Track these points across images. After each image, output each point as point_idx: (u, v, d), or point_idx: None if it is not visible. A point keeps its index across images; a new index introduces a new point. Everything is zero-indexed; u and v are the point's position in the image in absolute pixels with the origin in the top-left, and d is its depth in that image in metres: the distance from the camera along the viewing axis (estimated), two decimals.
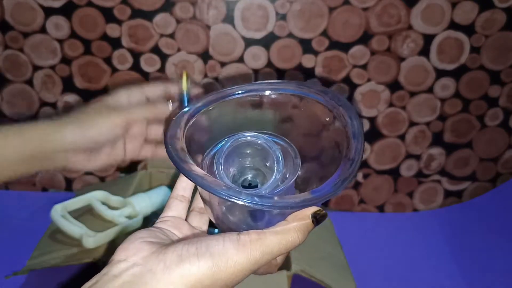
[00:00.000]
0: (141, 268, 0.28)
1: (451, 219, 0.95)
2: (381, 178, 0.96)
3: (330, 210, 0.98)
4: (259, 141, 0.36)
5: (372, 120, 0.91)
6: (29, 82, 0.88)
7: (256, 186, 0.38)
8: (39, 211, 0.89)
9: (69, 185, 0.96)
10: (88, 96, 0.89)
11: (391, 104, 0.90)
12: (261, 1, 0.82)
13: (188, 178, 0.32)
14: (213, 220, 0.38)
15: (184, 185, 0.38)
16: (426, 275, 0.81)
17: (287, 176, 0.36)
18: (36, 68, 0.87)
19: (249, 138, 0.36)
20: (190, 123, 0.38)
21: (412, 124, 0.92)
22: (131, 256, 0.29)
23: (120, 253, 0.30)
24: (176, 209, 0.37)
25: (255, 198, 0.30)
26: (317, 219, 0.32)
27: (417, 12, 0.83)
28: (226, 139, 0.37)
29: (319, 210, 0.32)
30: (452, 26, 0.84)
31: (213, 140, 0.38)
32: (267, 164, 0.36)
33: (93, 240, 0.66)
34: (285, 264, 0.65)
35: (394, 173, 0.96)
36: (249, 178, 0.39)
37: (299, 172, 0.37)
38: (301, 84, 0.39)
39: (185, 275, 0.28)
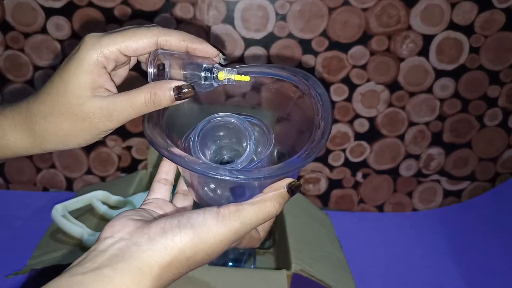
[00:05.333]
0: (127, 242, 0.30)
1: (450, 219, 0.95)
2: (381, 178, 0.97)
3: (330, 209, 0.98)
4: (230, 120, 0.37)
5: (371, 120, 0.92)
6: (30, 83, 0.88)
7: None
8: (40, 211, 0.89)
9: (70, 185, 0.96)
10: None
11: (390, 104, 0.90)
12: (261, 1, 0.82)
13: (169, 159, 0.33)
14: (197, 201, 0.39)
15: (166, 169, 0.40)
16: (425, 274, 0.81)
17: (261, 151, 0.38)
18: (36, 68, 0.87)
19: (219, 118, 0.37)
20: (168, 109, 0.38)
21: (411, 124, 0.92)
22: (117, 232, 0.31)
23: (107, 230, 0.32)
24: (159, 191, 0.38)
25: (234, 172, 0.32)
26: (292, 189, 0.34)
27: (417, 12, 0.83)
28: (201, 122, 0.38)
29: (294, 181, 0.34)
30: (452, 27, 0.84)
31: (192, 124, 0.38)
32: (242, 143, 0.37)
33: (93, 239, 0.66)
34: (285, 264, 0.66)
35: (393, 173, 0.96)
36: (226, 158, 0.40)
37: (275, 149, 0.38)
38: (272, 66, 0.40)
39: (169, 246, 0.30)
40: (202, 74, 0.36)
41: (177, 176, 0.40)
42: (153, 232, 0.30)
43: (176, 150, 0.34)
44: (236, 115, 0.37)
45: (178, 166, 0.38)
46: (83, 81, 0.34)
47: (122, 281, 0.28)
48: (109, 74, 0.36)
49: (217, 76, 0.36)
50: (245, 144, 0.37)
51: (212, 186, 0.37)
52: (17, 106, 0.36)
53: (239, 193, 0.35)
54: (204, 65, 0.36)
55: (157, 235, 0.30)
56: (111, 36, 0.34)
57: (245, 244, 0.36)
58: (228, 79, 0.36)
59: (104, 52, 0.34)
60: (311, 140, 0.34)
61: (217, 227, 0.31)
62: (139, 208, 0.36)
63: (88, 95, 0.34)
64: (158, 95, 0.34)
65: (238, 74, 0.36)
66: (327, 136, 0.33)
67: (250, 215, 0.32)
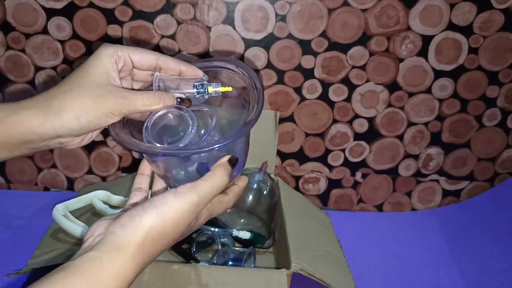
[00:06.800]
0: (104, 234, 0.36)
1: (449, 219, 0.96)
2: (380, 178, 0.97)
3: (329, 209, 0.99)
4: (174, 112, 0.44)
5: (370, 120, 0.92)
6: (31, 83, 0.89)
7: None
8: (41, 211, 0.89)
9: (71, 185, 0.97)
10: None
11: (389, 105, 0.91)
12: (261, 2, 0.83)
13: (140, 152, 0.41)
14: (172, 187, 0.45)
15: (139, 180, 0.46)
16: (425, 274, 0.81)
17: (207, 129, 0.46)
18: (38, 68, 0.87)
19: (162, 113, 0.44)
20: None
21: (410, 124, 0.93)
22: (95, 231, 0.37)
23: (87, 234, 0.37)
24: (136, 198, 0.44)
25: (191, 147, 0.40)
26: (232, 162, 0.42)
27: (416, 13, 0.83)
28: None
29: (232, 156, 0.43)
30: (450, 27, 0.84)
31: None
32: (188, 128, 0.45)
33: None
34: (285, 263, 0.66)
35: (392, 172, 0.97)
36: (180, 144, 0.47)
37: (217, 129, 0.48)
38: (212, 60, 0.50)
39: (137, 226, 0.35)
40: (194, 90, 0.45)
41: (150, 185, 0.47)
42: (123, 220, 0.36)
43: (144, 144, 0.42)
44: (176, 107, 0.44)
45: (150, 162, 0.45)
46: (102, 69, 0.41)
47: (106, 257, 0.34)
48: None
49: (207, 90, 0.45)
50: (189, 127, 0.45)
51: (179, 168, 0.45)
52: (39, 94, 0.42)
53: (203, 171, 0.42)
54: (195, 84, 0.45)
55: (126, 222, 0.36)
56: (124, 45, 0.43)
57: (217, 210, 0.43)
58: (216, 91, 0.45)
59: (118, 52, 0.42)
60: (244, 118, 0.43)
61: (177, 202, 0.37)
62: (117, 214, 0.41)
63: (106, 81, 0.41)
64: (164, 94, 0.43)
65: (222, 86, 0.46)
66: (257, 114, 0.43)
67: (205, 187, 0.39)
